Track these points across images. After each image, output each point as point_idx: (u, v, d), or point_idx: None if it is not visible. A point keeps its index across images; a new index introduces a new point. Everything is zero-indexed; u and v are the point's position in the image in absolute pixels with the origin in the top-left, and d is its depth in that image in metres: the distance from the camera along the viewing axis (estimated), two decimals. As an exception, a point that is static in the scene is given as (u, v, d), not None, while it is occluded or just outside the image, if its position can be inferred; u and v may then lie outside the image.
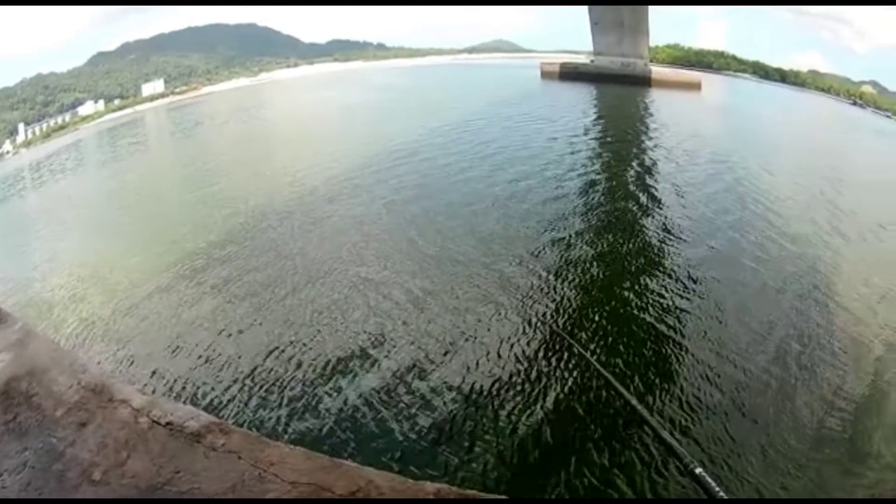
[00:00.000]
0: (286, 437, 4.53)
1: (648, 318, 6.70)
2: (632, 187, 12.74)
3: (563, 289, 7.32)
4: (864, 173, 19.98)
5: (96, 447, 1.80)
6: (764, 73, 44.63)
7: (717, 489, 1.11)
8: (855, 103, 63.50)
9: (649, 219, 10.58)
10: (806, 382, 5.75)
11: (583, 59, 40.18)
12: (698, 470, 1.20)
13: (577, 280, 7.63)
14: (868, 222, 12.04)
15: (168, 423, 1.89)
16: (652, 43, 39.95)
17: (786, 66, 47.10)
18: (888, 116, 66.57)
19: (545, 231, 9.34)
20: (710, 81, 39.54)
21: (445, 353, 5.72)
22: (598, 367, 5.39)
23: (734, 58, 46.81)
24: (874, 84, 65.24)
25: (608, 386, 5.19)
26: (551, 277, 7.55)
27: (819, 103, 48.96)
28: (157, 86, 59.37)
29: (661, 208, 11.20)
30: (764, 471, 4.43)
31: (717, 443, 4.71)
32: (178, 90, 56.25)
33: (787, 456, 4.64)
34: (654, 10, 39.24)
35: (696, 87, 38.60)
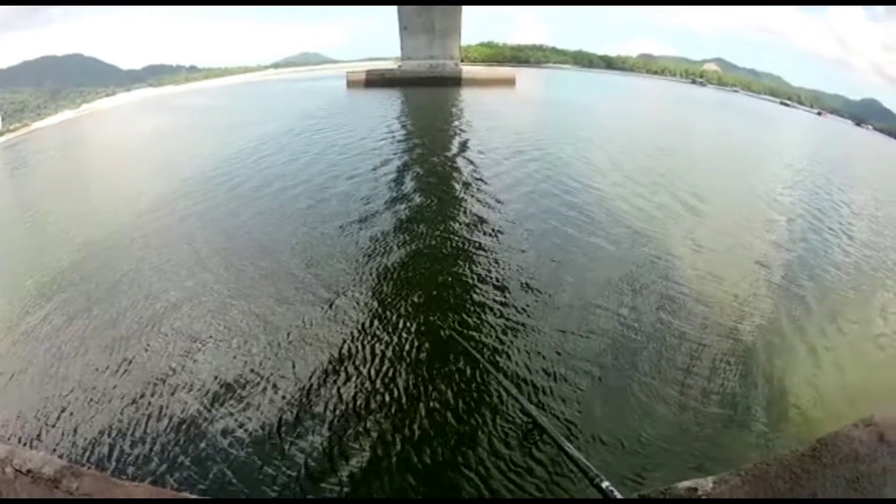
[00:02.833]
0: (119, 469, 4.31)
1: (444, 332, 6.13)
2: (424, 188, 12.19)
3: (343, 304, 6.84)
4: (687, 146, 20.71)
5: (-23, 499, 1.91)
6: (588, 62, 44.97)
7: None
8: (694, 82, 65.96)
9: (440, 220, 9.96)
10: (645, 360, 5.48)
11: (391, 65, 39.32)
12: (605, 483, 1.11)
13: (360, 294, 7.11)
14: (695, 192, 12.18)
15: (28, 471, 2.07)
16: (465, 42, 39.55)
17: (613, 54, 47.66)
18: (734, 91, 69.83)
19: (319, 245, 8.86)
20: (527, 76, 39.67)
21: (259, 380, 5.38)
22: (493, 369, 5.00)
23: (554, 50, 46.97)
24: (719, 61, 67.95)
25: (501, 391, 4.86)
26: (329, 294, 7.09)
27: (649, 86, 50.01)
28: (-7, 125, 54.95)
29: (455, 207, 10.74)
30: (640, 463, 4.08)
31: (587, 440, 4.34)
32: (12, 128, 52.29)
33: (658, 443, 4.29)
34: (468, 11, 38.98)
35: (509, 82, 38.63)
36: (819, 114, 66.54)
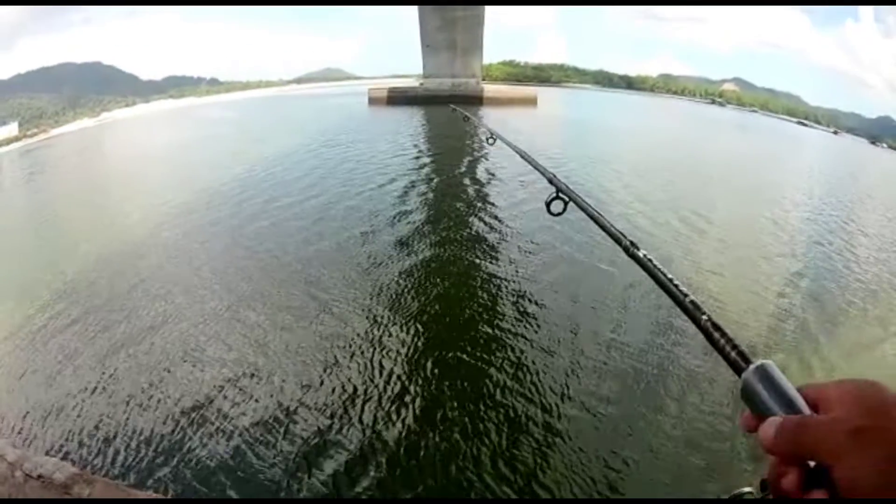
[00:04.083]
0: (125, 475, 4.25)
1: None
2: (442, 207, 12.13)
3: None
4: (698, 166, 20.43)
5: (-10, 500, 1.90)
6: (608, 81, 44.74)
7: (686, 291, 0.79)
8: (714, 102, 65.76)
9: (456, 232, 10.01)
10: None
11: (413, 83, 39.26)
12: (642, 252, 0.99)
13: (368, 305, 7.14)
14: (711, 215, 12.20)
15: (39, 476, 2.09)
16: (487, 60, 39.45)
17: (633, 73, 47.48)
18: (753, 111, 69.56)
19: (330, 259, 8.86)
20: (549, 95, 39.46)
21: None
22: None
23: (575, 69, 46.81)
24: (738, 81, 67.50)
25: None
26: (336, 306, 7.10)
27: (670, 106, 49.82)
28: (12, 129, 55.31)
29: (467, 222, 10.78)
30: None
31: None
32: (29, 133, 52.58)
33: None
34: (489, 28, 38.91)
35: (531, 102, 38.45)
36: (835, 132, 66.62)
